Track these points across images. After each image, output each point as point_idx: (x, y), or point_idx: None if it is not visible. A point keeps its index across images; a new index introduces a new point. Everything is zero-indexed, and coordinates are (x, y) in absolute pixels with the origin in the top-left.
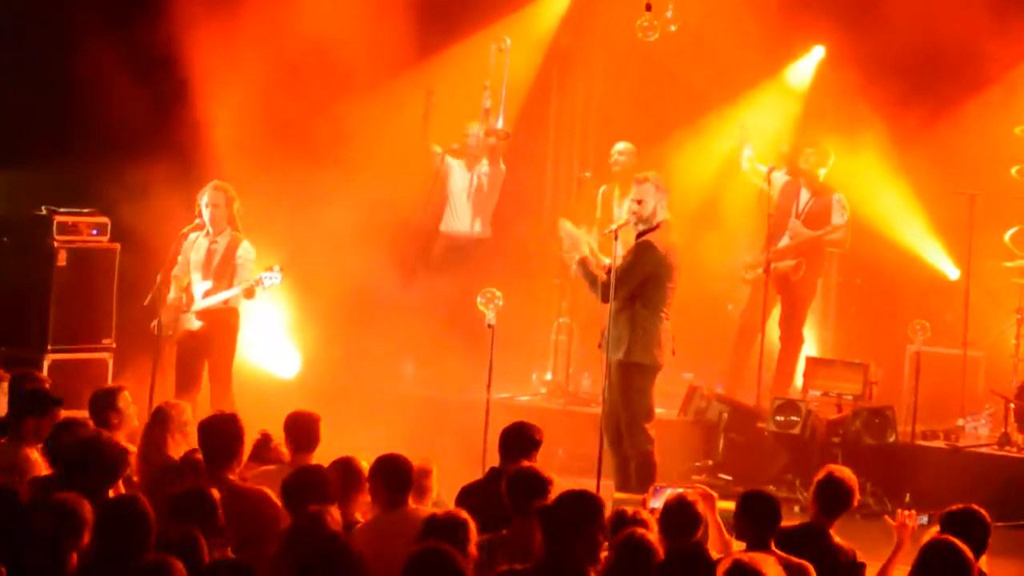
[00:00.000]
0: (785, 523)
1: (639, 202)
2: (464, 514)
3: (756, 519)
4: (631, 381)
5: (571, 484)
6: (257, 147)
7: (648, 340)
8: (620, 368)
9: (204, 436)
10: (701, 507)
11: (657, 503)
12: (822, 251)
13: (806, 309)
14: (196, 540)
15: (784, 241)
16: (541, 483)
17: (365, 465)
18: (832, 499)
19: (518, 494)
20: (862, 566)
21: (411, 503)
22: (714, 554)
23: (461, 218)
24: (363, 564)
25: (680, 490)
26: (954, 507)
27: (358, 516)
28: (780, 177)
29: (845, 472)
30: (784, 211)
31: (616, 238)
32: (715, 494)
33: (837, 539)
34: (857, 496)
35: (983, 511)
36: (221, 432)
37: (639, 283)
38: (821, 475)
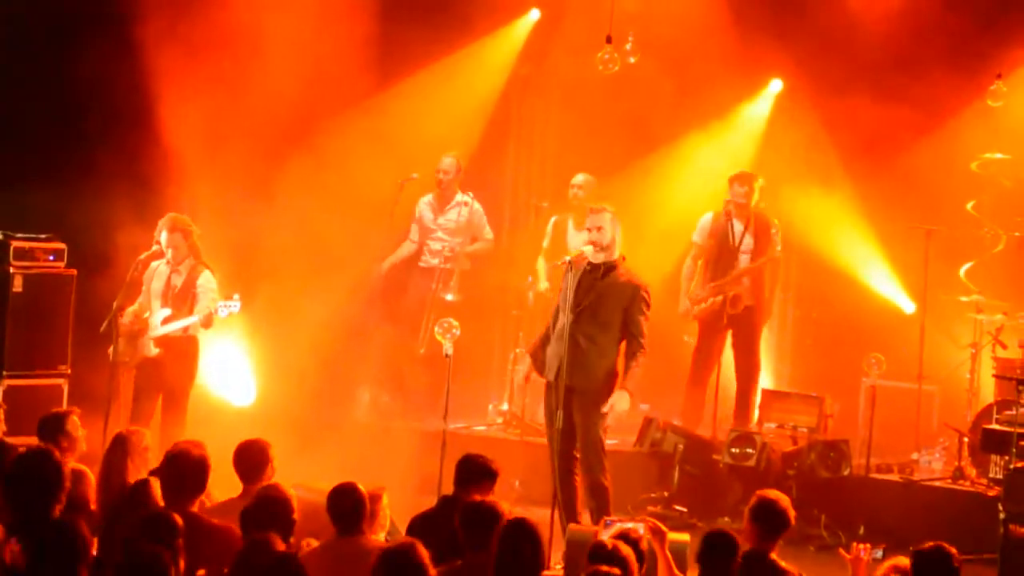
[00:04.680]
0: None
1: (599, 229)
2: (419, 545)
3: (715, 555)
4: (600, 407)
5: (527, 515)
6: (215, 175)
7: (614, 366)
8: (592, 394)
9: (170, 466)
10: (646, 543)
11: (607, 536)
12: (763, 278)
13: (759, 337)
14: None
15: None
16: (494, 516)
17: (293, 493)
18: (767, 521)
19: (472, 527)
20: None
21: (365, 531)
22: None
23: (427, 252)
24: None
25: (630, 524)
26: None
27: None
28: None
29: (775, 494)
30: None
31: (569, 269)
32: (665, 529)
33: (782, 563)
34: (792, 515)
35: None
36: (190, 464)
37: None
38: (753, 501)
